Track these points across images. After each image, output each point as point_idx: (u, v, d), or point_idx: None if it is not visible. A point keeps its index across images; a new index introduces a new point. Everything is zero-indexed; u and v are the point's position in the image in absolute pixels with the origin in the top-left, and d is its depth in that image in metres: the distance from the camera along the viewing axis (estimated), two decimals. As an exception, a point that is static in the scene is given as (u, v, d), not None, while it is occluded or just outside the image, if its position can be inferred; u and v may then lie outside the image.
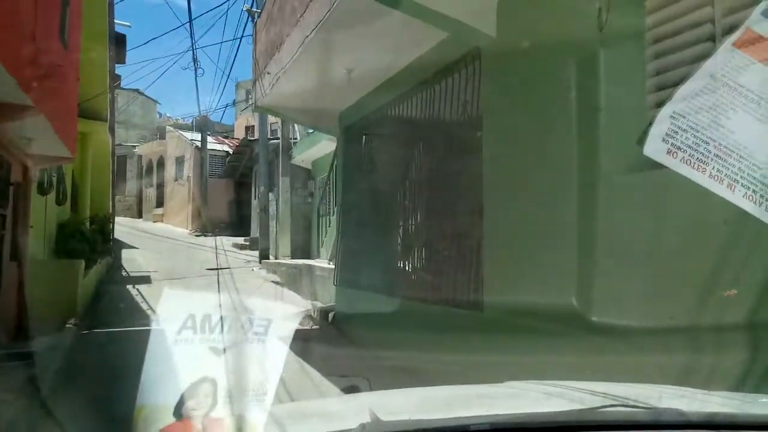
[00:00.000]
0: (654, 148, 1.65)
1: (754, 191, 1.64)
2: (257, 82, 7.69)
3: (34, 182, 8.21)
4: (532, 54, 4.11)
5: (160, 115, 45.49)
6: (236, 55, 32.06)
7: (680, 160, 1.64)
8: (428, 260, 5.95)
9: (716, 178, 1.62)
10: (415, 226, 6.37)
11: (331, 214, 12.12)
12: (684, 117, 1.64)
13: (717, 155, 1.62)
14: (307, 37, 5.31)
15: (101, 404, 4.70)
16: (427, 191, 6.04)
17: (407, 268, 6.48)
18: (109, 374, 6.02)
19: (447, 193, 5.54)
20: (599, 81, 3.54)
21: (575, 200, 3.71)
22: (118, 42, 12.68)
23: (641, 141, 1.70)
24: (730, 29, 2.84)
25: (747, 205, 1.64)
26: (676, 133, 1.65)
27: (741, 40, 1.67)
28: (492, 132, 4.63)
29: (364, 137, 7.86)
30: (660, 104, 3.23)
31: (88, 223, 12.39)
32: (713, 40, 2.92)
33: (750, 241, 2.62)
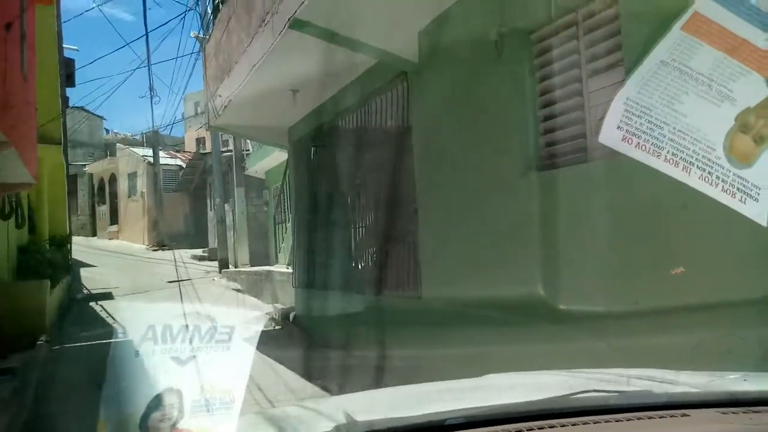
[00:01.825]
0: (609, 135, 1.64)
1: (709, 173, 1.60)
2: (209, 104, 8.25)
3: (-3, 209, 8.58)
4: (449, 74, 4.86)
5: (107, 131, 44.82)
6: (190, 77, 32.00)
7: (635, 146, 1.61)
8: (375, 258, 6.65)
9: (671, 161, 1.59)
10: (363, 228, 7.07)
11: (287, 221, 12.68)
12: (637, 103, 1.60)
13: (671, 139, 1.58)
14: (254, 66, 5.95)
15: (80, 413, 5.25)
16: (371, 196, 6.75)
17: (358, 266, 7.17)
18: (83, 385, 6.51)
19: (387, 197, 6.25)
20: (501, 94, 4.30)
21: (494, 197, 4.44)
22: (68, 66, 12.96)
23: (596, 131, 1.68)
24: (593, 59, 3.63)
25: (703, 187, 1.62)
26: (630, 119, 1.61)
27: (689, 24, 1.63)
28: (420, 142, 5.36)
29: (312, 149, 8.51)
30: (547, 118, 4.01)
31: (47, 245, 12.64)
32: (580, 81, 3.70)
33: (707, 222, 2.63)
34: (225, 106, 7.33)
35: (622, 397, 1.39)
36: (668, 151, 1.60)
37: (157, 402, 1.26)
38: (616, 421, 1.26)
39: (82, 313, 12.05)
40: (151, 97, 15.92)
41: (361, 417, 1.23)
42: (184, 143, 37.46)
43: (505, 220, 4.29)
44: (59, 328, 10.05)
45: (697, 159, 1.60)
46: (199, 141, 36.81)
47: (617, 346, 3.17)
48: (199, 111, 34.77)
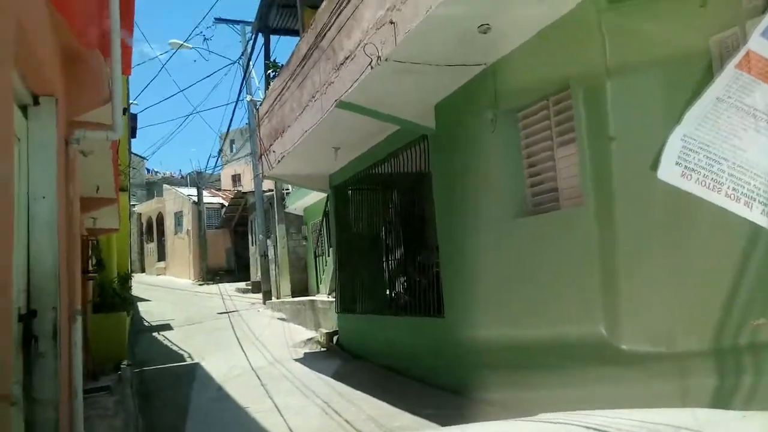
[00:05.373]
0: (668, 171, 1.57)
1: None
2: (263, 157, 9.78)
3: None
4: (459, 139, 6.22)
5: (148, 171, 47.40)
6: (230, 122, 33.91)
7: (695, 182, 1.56)
8: (405, 286, 7.98)
9: (732, 197, 1.54)
10: (394, 260, 8.41)
11: (327, 254, 14.06)
12: (694, 139, 1.58)
13: (731, 174, 1.55)
14: (305, 131, 7.41)
15: (169, 417, 6.65)
16: (400, 233, 8.11)
17: (391, 293, 8.49)
18: (166, 398, 7.93)
19: (413, 234, 7.61)
20: (497, 156, 5.61)
21: (494, 236, 5.72)
22: (132, 120, 14.72)
23: (654, 166, 1.61)
24: (560, 134, 4.95)
25: (766, 222, 1.56)
26: (688, 155, 1.57)
27: (743, 62, 1.64)
28: (438, 189, 6.70)
29: (350, 192, 9.95)
30: (533, 175, 5.32)
31: (116, 281, 14.26)
32: (552, 149, 5.02)
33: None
34: (278, 161, 8.82)
35: None
36: (729, 186, 1.58)
37: None
38: None
39: (148, 341, 13.58)
40: (219, 156, 17.48)
41: None
42: (220, 180, 39.54)
43: (505, 255, 5.54)
44: (134, 355, 11.54)
45: (758, 194, 1.59)
46: (235, 178, 38.86)
47: (680, 387, 3.18)
48: (234, 148, 36.90)
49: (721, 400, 2.98)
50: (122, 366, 10.05)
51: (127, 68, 4.20)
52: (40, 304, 2.72)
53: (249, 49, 13.62)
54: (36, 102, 2.84)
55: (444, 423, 4.79)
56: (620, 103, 4.07)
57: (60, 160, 3.01)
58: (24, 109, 2.82)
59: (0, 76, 1.98)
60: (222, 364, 9.74)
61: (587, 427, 1.58)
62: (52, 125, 2.88)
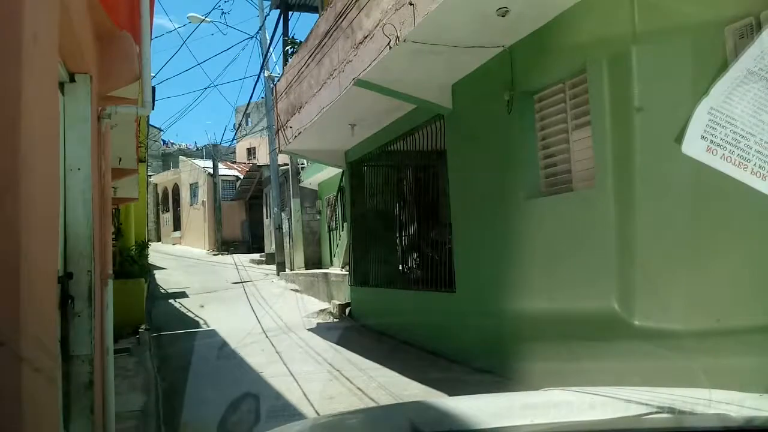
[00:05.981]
0: (693, 146, 1.51)
1: None
2: (280, 132, 9.91)
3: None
4: (475, 118, 6.32)
5: (164, 142, 47.69)
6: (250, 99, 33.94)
7: (720, 158, 1.50)
8: (417, 260, 8.15)
9: (758, 174, 1.47)
10: (407, 236, 8.57)
11: (340, 228, 14.25)
12: (721, 112, 1.51)
13: (758, 151, 1.48)
14: (323, 108, 7.53)
15: (185, 377, 6.89)
16: (413, 209, 8.25)
17: (404, 267, 8.67)
18: (182, 361, 8.20)
19: (428, 211, 7.74)
20: (512, 137, 5.71)
21: (504, 215, 5.84)
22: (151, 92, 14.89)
23: (678, 140, 1.57)
24: (575, 117, 5.04)
25: None
26: (714, 129, 1.51)
27: None
28: (452, 168, 6.82)
29: (365, 168, 10.08)
30: (547, 157, 5.42)
31: (133, 248, 14.58)
32: (567, 132, 5.11)
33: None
34: (295, 137, 8.96)
35: (699, 419, 1.32)
36: (755, 164, 1.50)
37: (234, 407, 1.34)
38: None
39: (165, 308, 13.94)
40: (236, 130, 17.63)
41: (425, 428, 1.23)
42: (235, 153, 39.77)
43: (518, 233, 5.68)
44: (151, 320, 11.88)
45: None
46: (250, 151, 39.04)
47: (697, 366, 3.14)
48: (250, 122, 37.04)
49: (737, 380, 2.90)
50: (140, 330, 10.39)
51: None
52: (76, 267, 2.91)
53: (267, 26, 13.64)
54: (72, 79, 2.99)
55: (453, 393, 4.98)
56: (646, 75, 4.02)
57: (93, 134, 3.18)
58: (61, 85, 2.98)
59: (47, 56, 2.12)
60: (236, 330, 10.00)
61: (593, 394, 1.61)
62: (86, 101, 3.03)
